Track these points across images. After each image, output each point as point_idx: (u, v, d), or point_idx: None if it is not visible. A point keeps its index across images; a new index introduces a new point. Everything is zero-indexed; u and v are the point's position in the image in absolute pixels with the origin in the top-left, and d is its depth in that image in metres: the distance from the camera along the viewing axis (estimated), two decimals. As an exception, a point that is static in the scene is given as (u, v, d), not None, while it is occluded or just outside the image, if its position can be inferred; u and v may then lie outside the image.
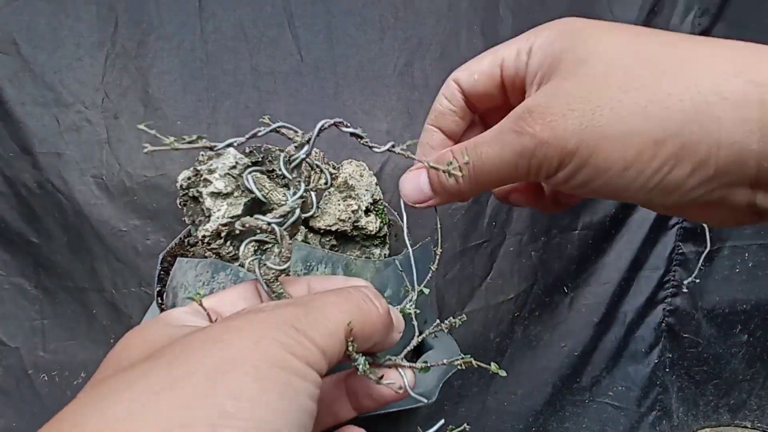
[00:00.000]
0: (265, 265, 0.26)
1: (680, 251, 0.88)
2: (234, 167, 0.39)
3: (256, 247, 0.29)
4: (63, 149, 0.66)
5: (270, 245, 0.29)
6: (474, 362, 0.27)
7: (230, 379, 0.17)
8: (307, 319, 0.20)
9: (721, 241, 0.87)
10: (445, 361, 0.28)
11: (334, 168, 0.45)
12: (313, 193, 0.40)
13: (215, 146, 0.25)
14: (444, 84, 0.31)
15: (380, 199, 0.46)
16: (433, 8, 0.75)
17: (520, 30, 0.28)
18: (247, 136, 0.26)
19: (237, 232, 0.37)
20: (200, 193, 0.38)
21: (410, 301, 0.31)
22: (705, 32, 0.85)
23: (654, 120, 0.22)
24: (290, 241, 0.27)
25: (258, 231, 0.27)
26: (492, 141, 0.26)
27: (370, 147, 0.29)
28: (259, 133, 0.27)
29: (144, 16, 0.68)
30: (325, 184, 0.41)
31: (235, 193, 0.38)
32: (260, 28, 0.71)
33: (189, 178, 0.40)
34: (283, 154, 0.28)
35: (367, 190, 0.44)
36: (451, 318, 0.29)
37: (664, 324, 0.91)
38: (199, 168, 0.39)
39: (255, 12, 0.71)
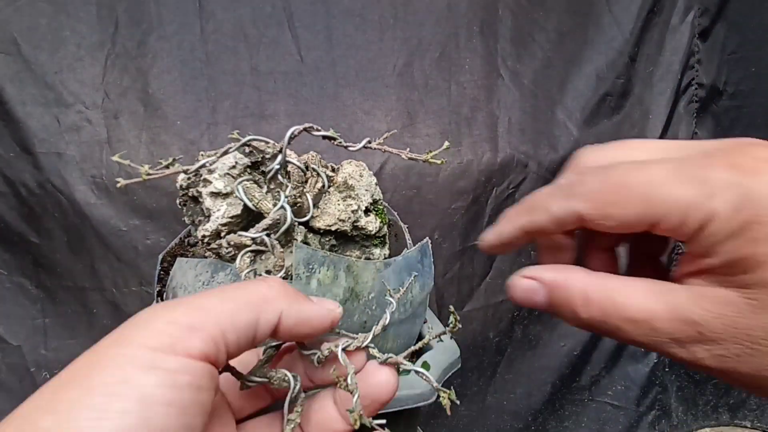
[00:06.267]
0: (260, 276, 0.26)
1: (680, 251, 0.88)
2: (234, 167, 0.39)
3: (252, 258, 0.29)
4: (63, 149, 0.66)
5: (267, 252, 0.29)
6: (451, 398, 0.25)
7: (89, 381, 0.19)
8: (180, 308, 0.21)
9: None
10: (433, 383, 0.25)
11: (333, 170, 0.45)
12: (309, 198, 0.40)
13: (188, 169, 0.25)
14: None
15: (380, 199, 0.46)
16: (432, 8, 0.75)
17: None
18: (218, 155, 0.26)
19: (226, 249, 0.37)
20: (200, 193, 0.38)
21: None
22: (705, 32, 0.85)
23: None
24: (282, 250, 0.27)
25: (252, 244, 0.27)
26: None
27: (345, 146, 0.29)
28: (230, 150, 0.27)
29: (144, 16, 0.68)
30: (323, 187, 0.41)
31: (235, 193, 0.38)
32: (260, 28, 0.71)
33: (189, 178, 0.40)
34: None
35: (366, 190, 0.44)
36: (452, 319, 0.28)
37: (663, 323, 0.91)
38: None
39: (255, 12, 0.71)
